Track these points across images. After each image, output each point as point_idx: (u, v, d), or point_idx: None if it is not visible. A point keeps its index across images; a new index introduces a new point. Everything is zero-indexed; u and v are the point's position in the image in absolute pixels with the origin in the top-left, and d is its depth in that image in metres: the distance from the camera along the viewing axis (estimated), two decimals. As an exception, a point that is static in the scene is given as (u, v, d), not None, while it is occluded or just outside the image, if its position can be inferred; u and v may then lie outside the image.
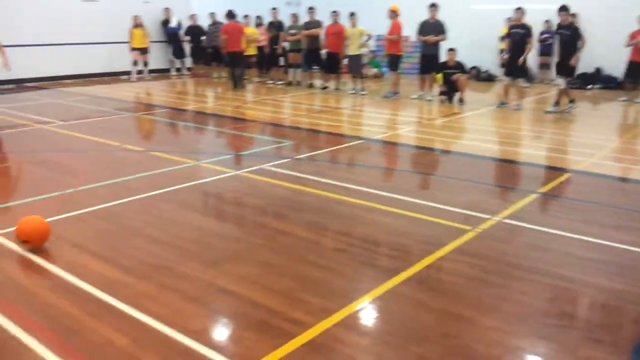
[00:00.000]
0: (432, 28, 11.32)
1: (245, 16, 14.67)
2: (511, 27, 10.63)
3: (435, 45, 11.39)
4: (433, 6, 11.37)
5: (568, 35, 9.91)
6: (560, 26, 10.09)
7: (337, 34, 12.84)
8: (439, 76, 11.56)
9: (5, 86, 13.42)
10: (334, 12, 12.90)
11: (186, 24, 16.41)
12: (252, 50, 14.50)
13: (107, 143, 7.34)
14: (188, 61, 16.91)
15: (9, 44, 13.31)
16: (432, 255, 3.85)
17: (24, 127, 8.55)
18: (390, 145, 7.69)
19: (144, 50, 15.07)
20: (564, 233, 4.29)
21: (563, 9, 9.95)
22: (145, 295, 3.26)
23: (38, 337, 2.83)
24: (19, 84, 13.74)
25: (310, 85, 13.98)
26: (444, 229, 4.40)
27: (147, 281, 3.44)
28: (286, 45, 14.45)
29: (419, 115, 10.18)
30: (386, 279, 3.49)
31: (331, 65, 13.28)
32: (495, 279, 3.57)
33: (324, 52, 13.59)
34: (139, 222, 4.51)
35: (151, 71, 15.74)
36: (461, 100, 11.09)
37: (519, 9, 10.41)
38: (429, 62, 11.50)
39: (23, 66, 13.72)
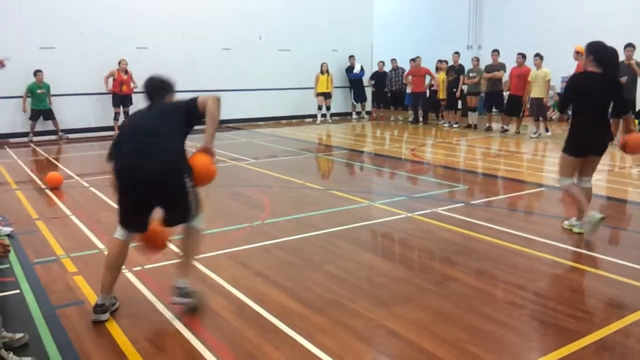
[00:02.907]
0: (626, 70, 10.42)
1: (440, 61, 15.10)
2: None
3: (632, 87, 10.44)
4: (629, 46, 10.49)
5: None
6: None
7: (522, 77, 12.44)
8: (636, 121, 10.54)
9: (202, 127, 15.18)
10: (520, 54, 12.55)
11: (371, 70, 17.17)
12: (441, 94, 14.83)
13: (292, 180, 7.91)
14: (368, 105, 17.57)
15: (212, 89, 15.17)
16: (621, 320, 3.50)
17: (222, 163, 9.58)
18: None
19: (327, 95, 16.04)
20: None
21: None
22: (319, 328, 3.44)
23: (222, 359, 3.13)
24: (220, 125, 15.43)
25: (489, 129, 13.63)
26: (637, 291, 3.97)
27: (322, 315, 3.63)
28: (465, 88, 14.37)
29: (610, 162, 9.36)
30: (566, 341, 3.25)
31: (513, 108, 12.86)
32: (701, 356, 3.13)
33: (506, 94, 13.24)
34: (317, 256, 4.77)
35: (333, 115, 16.65)
36: (663, 148, 9.94)
37: None
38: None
39: (223, 109, 15.44)
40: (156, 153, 3.50)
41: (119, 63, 13.32)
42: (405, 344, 3.27)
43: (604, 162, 9.38)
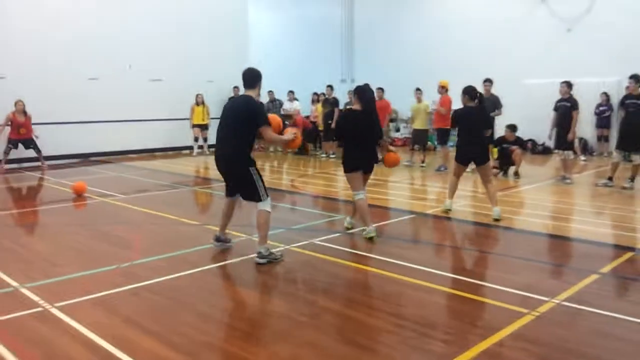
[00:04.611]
0: (488, 103, 11.35)
1: (316, 94, 15.44)
2: (558, 101, 10.52)
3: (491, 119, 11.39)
4: (487, 81, 11.48)
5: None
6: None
7: (382, 109, 13.20)
8: (495, 150, 11.47)
9: (72, 160, 14.23)
10: (379, 88, 13.33)
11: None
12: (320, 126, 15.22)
13: (165, 216, 7.58)
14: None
15: (78, 120, 14.31)
16: (487, 340, 3.68)
17: (88, 200, 8.97)
18: (442, 220, 7.57)
19: (203, 127, 15.78)
20: (630, 318, 4.03)
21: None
22: (191, 374, 3.25)
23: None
24: (85, 158, 14.54)
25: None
26: (500, 311, 4.22)
27: (193, 359, 3.43)
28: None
29: (472, 189, 10.05)
30: (437, 364, 3.35)
31: None
32: (555, 369, 3.36)
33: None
34: (192, 297, 4.55)
35: (211, 146, 16.36)
36: (516, 174, 10.91)
37: (564, 82, 10.40)
38: (484, 136, 11.47)
39: (89, 141, 14.61)
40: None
41: (15, 104, 12.50)
42: (282, 383, 3.17)
43: (466, 188, 10.11)
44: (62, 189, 10.00)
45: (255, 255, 5.40)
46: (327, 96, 15.20)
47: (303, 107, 16.57)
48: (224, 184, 5.90)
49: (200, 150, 15.87)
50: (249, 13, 18.71)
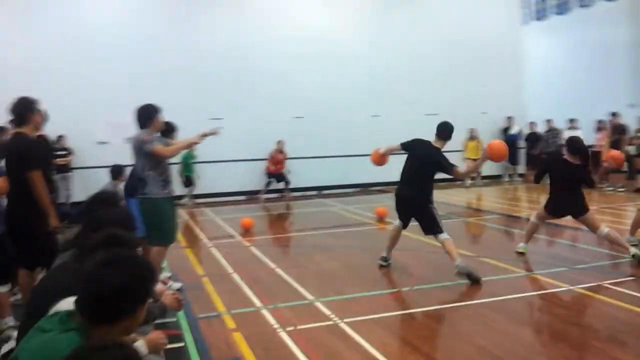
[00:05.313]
0: None
1: (600, 121, 14.34)
2: None
3: None
4: None
5: None
6: None
7: None
8: None
9: (352, 189, 15.60)
10: None
11: (525, 131, 16.63)
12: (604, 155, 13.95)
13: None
14: (521, 167, 16.89)
15: (363, 153, 15.67)
16: None
17: (368, 226, 9.73)
18: None
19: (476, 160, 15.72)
20: None
21: None
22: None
23: None
24: (364, 188, 15.78)
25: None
26: None
27: (473, 391, 3.47)
28: (631, 149, 13.24)
29: None
30: None
31: None
32: None
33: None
34: (468, 328, 4.60)
35: (484, 177, 16.22)
36: None
37: None
38: None
39: (371, 172, 15.82)
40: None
41: (277, 143, 14.40)
42: None
43: None
44: (348, 215, 11.05)
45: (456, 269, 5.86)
46: (613, 123, 13.76)
47: (586, 135, 15.22)
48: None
49: (472, 181, 15.84)
50: (524, 41, 18.20)
